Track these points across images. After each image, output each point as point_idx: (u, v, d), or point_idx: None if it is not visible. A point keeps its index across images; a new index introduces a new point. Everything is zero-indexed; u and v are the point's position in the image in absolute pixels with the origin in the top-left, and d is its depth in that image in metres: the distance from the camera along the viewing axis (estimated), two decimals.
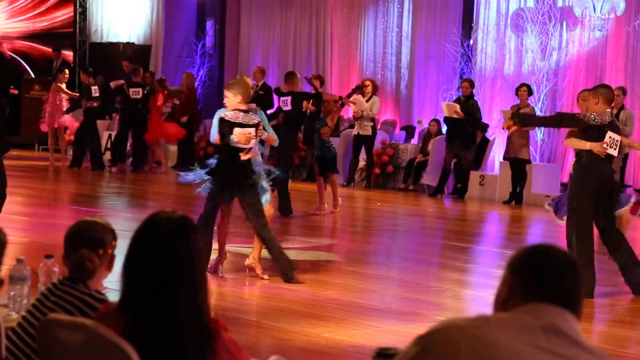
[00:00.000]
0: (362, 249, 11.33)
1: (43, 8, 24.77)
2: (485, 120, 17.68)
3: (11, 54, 24.75)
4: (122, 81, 20.67)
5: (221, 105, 9.05)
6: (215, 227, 8.64)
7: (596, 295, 9.03)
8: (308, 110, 18.54)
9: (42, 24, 24.85)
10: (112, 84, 20.95)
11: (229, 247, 10.52)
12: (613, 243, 9.03)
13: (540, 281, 2.57)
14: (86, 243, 3.75)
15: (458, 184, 17.15)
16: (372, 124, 17.68)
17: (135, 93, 19.71)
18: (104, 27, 24.28)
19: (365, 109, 17.43)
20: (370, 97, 17.67)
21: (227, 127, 8.36)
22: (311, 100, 18.56)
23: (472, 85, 17.09)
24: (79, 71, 24.28)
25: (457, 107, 16.54)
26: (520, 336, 2.46)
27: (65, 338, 3.13)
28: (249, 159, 8.48)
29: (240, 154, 8.32)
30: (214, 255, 8.88)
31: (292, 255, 10.44)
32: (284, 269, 8.57)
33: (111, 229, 3.87)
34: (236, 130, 8.37)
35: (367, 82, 17.57)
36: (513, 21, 18.43)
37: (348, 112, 19.44)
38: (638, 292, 8.86)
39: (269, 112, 19.92)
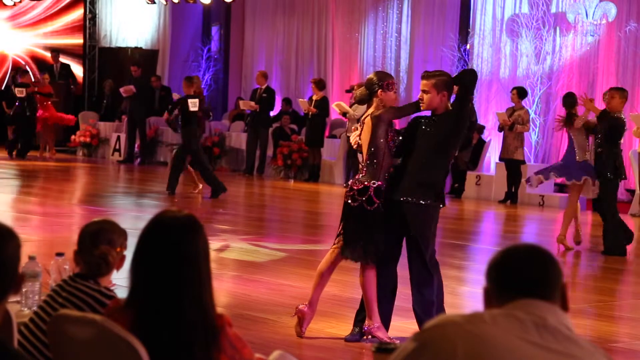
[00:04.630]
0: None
1: (53, 11, 24.77)
2: (481, 122, 17.67)
3: (20, 59, 24.77)
4: (132, 87, 20.69)
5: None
6: None
7: (587, 292, 9.04)
8: (310, 113, 18.58)
9: (52, 28, 24.84)
10: (122, 91, 20.94)
11: (236, 244, 10.55)
12: None
13: (508, 278, 2.58)
14: (105, 241, 3.77)
15: (455, 184, 17.15)
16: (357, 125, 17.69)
17: (20, 92, 20.41)
18: (113, 33, 24.29)
19: (348, 111, 17.52)
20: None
21: None
22: (313, 103, 18.63)
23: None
24: (88, 74, 24.31)
25: None
26: (514, 332, 2.46)
27: (76, 333, 3.14)
28: None
29: None
30: None
31: (294, 253, 10.45)
32: None
33: (124, 231, 3.89)
34: None
35: (355, 86, 17.77)
36: (508, 26, 18.43)
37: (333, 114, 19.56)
38: None
39: (271, 113, 19.97)
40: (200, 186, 15.32)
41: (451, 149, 6.68)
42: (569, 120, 11.41)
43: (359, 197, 6.57)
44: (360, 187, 6.58)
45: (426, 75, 6.61)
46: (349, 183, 6.73)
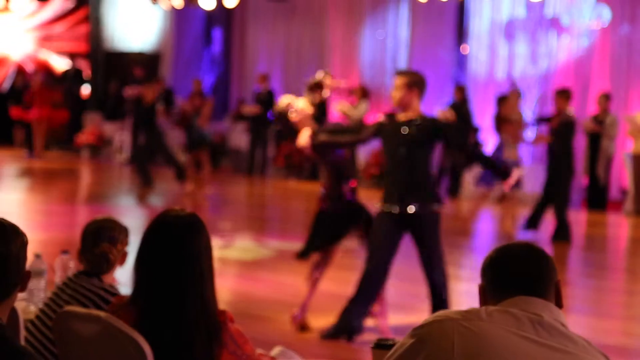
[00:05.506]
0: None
1: (59, 14, 24.77)
2: (478, 123, 17.67)
3: (24, 61, 24.76)
4: (136, 88, 20.65)
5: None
6: None
7: (584, 289, 9.05)
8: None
9: (57, 32, 24.84)
10: (127, 92, 20.91)
11: (237, 243, 10.55)
12: None
13: (503, 276, 2.59)
14: (106, 239, 3.78)
15: (453, 184, 17.15)
16: None
17: None
18: (118, 37, 24.30)
19: (351, 113, 17.64)
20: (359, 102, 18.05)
21: None
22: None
23: (459, 90, 17.10)
24: (93, 77, 24.33)
25: (450, 112, 16.55)
26: (510, 328, 2.47)
27: (81, 329, 3.14)
28: None
29: None
30: None
31: (294, 250, 10.44)
32: None
33: (125, 228, 3.89)
34: None
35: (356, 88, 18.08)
36: (504, 29, 18.43)
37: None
38: None
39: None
40: (199, 187, 15.35)
41: (431, 153, 6.68)
42: (499, 120, 12.06)
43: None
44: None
45: (399, 73, 6.71)
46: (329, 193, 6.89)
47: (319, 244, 6.95)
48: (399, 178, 6.55)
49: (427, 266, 6.65)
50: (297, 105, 6.82)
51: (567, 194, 11.78)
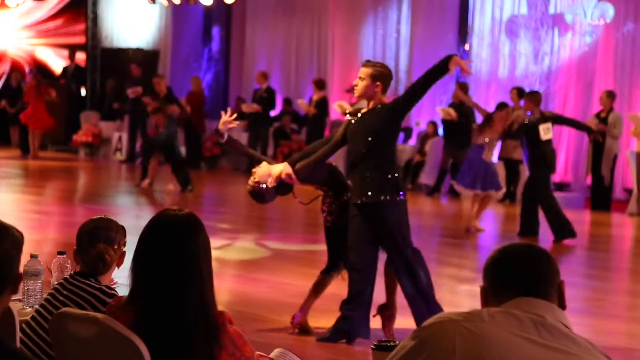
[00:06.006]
0: None
1: (55, 11, 24.79)
2: (479, 122, 17.65)
3: (20, 59, 24.76)
4: (139, 88, 20.62)
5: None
6: None
7: (587, 290, 9.05)
8: (310, 113, 18.57)
9: (54, 29, 24.86)
10: (130, 92, 20.86)
11: (236, 243, 10.55)
12: None
13: (505, 277, 2.59)
14: (103, 239, 3.77)
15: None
16: None
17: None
18: (115, 33, 24.29)
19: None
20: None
21: None
22: (313, 104, 18.63)
23: (461, 87, 17.08)
24: (90, 74, 24.34)
25: (452, 110, 16.56)
26: (512, 330, 2.46)
27: (78, 331, 3.14)
28: None
29: None
30: None
31: (294, 251, 10.45)
32: None
33: (122, 227, 3.88)
34: None
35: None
36: (507, 27, 18.43)
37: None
38: None
39: (272, 113, 19.98)
40: (148, 181, 15.88)
41: (390, 137, 6.62)
42: (488, 121, 12.33)
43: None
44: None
45: (366, 63, 6.64)
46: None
47: (341, 260, 6.88)
48: (362, 168, 6.52)
49: (398, 270, 6.58)
50: (259, 176, 6.71)
51: (549, 191, 11.82)
